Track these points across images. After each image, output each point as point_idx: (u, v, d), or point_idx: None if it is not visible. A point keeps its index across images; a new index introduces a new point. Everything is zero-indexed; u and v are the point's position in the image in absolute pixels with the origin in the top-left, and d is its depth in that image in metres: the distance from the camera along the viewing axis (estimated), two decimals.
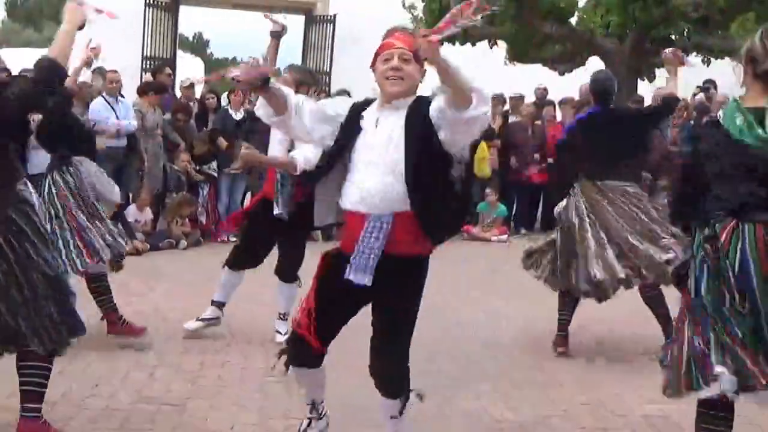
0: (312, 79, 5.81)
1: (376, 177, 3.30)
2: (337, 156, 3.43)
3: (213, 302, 5.84)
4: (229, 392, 4.61)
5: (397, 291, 3.39)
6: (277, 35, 5.98)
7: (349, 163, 3.40)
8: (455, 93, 3.09)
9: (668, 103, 5.79)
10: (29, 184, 3.76)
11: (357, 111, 3.43)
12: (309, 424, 3.87)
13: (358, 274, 3.31)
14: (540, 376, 5.22)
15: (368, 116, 3.40)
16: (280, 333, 5.52)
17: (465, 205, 3.51)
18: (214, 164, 10.51)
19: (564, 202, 5.76)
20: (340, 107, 3.51)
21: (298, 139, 3.86)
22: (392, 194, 3.27)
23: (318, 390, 3.79)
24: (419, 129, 3.25)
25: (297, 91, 5.56)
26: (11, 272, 3.52)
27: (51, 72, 3.57)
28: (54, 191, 5.11)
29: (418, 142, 3.24)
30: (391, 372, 3.50)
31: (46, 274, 3.60)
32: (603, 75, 6.10)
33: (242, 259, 5.76)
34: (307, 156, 5.38)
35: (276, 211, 5.41)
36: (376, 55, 3.38)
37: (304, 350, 3.53)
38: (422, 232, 3.32)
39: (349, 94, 11.74)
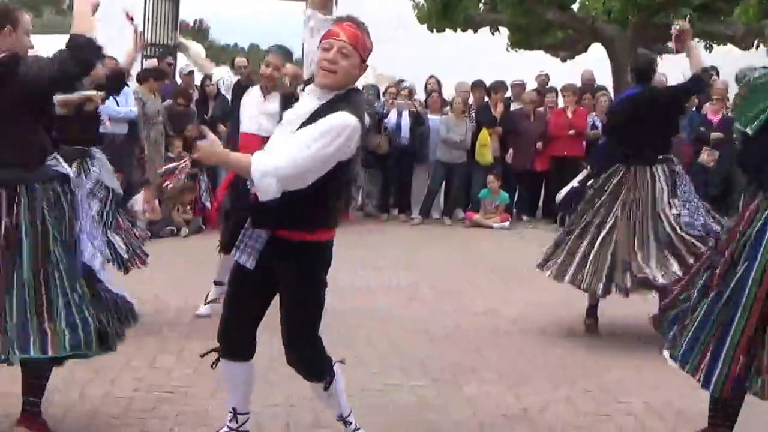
0: (291, 60, 6.07)
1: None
2: None
3: (215, 282, 5.85)
4: None
5: (286, 276, 3.29)
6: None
7: None
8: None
9: (698, 80, 5.65)
10: (60, 158, 3.65)
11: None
12: None
13: (243, 256, 3.29)
14: (543, 363, 5.22)
15: (305, 92, 3.33)
16: None
17: (316, 206, 3.22)
18: None
19: (568, 188, 5.73)
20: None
21: None
22: None
23: (244, 392, 3.59)
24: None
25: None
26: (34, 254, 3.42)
27: (93, 51, 3.46)
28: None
29: None
30: (301, 362, 3.41)
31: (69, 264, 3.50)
32: (643, 54, 6.19)
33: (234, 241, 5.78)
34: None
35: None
36: (321, 39, 3.25)
37: (232, 340, 3.47)
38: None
39: (377, 89, 11.85)
